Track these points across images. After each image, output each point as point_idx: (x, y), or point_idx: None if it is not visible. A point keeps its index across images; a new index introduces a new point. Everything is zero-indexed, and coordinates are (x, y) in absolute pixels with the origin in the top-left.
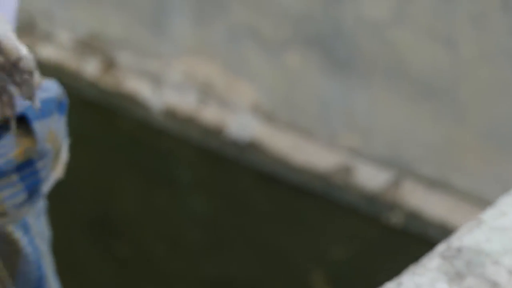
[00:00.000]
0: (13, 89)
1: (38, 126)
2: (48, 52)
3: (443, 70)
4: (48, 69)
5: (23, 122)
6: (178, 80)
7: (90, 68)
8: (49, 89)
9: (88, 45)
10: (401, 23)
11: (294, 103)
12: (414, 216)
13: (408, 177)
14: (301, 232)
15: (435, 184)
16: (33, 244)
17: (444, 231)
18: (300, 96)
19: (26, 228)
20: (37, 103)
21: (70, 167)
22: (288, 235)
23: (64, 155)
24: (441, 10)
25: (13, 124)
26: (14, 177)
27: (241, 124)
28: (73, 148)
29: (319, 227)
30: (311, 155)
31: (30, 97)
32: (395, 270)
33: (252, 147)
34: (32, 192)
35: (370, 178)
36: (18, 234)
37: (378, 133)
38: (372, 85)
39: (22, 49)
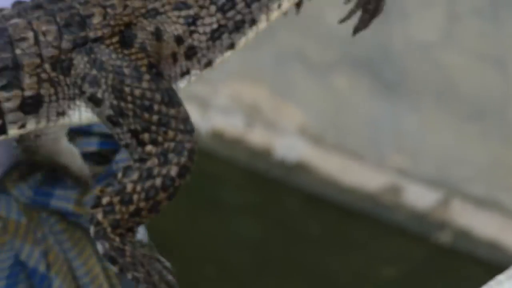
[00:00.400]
0: None
1: None
2: None
3: (492, 91)
4: None
5: None
6: (225, 104)
7: None
8: None
9: None
10: (449, 45)
11: (342, 125)
12: (463, 235)
13: (457, 196)
14: (350, 252)
15: (484, 203)
16: None
17: (493, 250)
18: (348, 118)
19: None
20: None
21: None
22: (337, 256)
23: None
24: (489, 31)
25: None
26: None
27: (289, 146)
28: None
29: (369, 247)
30: (359, 176)
31: None
32: None
33: (299, 168)
34: None
35: (419, 198)
36: None
37: (427, 153)
38: (421, 107)
39: None
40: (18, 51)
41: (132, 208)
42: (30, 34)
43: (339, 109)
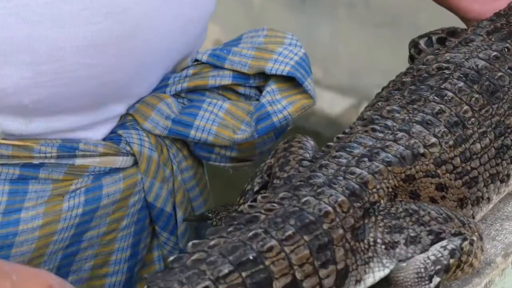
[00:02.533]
0: None
1: (308, 85)
2: None
3: None
4: None
5: (293, 81)
6: None
7: None
8: (294, 44)
9: None
10: None
11: None
12: None
13: (367, 102)
14: None
15: None
16: None
17: None
18: None
19: None
20: None
21: None
22: None
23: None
24: None
25: None
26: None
27: None
28: None
29: None
30: None
31: None
32: None
33: None
34: None
35: (332, 104)
36: None
37: (339, 62)
38: (334, 18)
39: None
40: (325, 226)
41: None
42: (330, 209)
43: (255, 24)
